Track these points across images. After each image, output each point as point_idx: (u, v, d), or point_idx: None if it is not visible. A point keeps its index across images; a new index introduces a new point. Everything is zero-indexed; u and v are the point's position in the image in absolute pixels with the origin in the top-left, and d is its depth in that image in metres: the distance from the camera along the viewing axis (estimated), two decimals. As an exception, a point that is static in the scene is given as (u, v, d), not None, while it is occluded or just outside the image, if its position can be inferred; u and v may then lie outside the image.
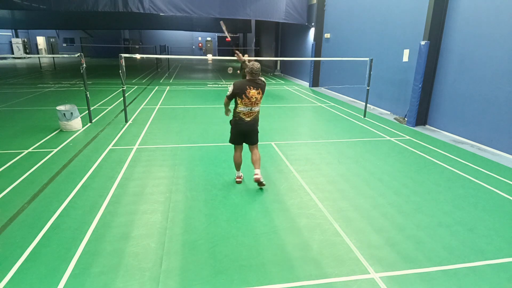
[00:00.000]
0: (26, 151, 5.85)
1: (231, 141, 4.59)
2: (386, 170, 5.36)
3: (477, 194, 4.58)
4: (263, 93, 4.33)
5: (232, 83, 4.25)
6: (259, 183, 4.49)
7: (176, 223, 3.68)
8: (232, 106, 4.48)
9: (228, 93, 4.29)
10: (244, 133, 4.45)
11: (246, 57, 4.78)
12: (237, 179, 4.76)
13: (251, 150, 4.60)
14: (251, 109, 4.31)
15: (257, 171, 4.45)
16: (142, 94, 12.43)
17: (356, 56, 11.60)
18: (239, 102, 4.26)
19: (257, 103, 4.31)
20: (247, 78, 4.26)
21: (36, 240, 3.31)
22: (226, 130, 7.70)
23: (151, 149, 6.16)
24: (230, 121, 4.54)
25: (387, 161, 5.80)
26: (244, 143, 4.61)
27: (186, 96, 12.17)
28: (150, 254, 3.15)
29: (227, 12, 14.74)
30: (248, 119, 4.36)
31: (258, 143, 4.63)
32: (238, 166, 4.71)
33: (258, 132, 4.58)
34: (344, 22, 12.98)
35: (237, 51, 4.94)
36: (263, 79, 4.38)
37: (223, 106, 4.59)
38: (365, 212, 4.02)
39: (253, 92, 4.21)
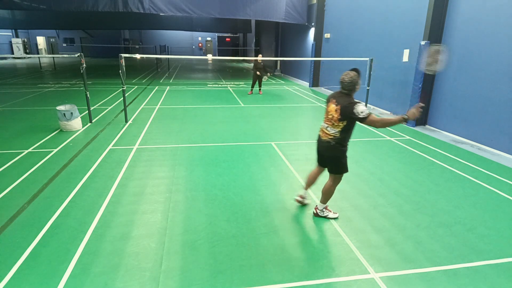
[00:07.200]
0: (26, 151, 5.85)
1: None
2: (386, 170, 5.36)
3: (477, 194, 4.58)
4: (342, 114, 3.32)
5: None
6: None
7: (176, 223, 3.68)
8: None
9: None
10: (318, 152, 3.77)
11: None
12: (297, 198, 4.14)
13: None
14: (326, 128, 3.54)
15: (318, 205, 3.93)
16: (142, 94, 12.43)
17: (356, 56, 11.60)
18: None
19: (333, 123, 3.43)
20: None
21: (36, 240, 3.31)
22: (226, 130, 7.77)
23: (151, 149, 6.16)
24: None
25: (387, 161, 5.80)
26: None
27: (186, 96, 12.16)
28: (150, 254, 3.15)
29: (227, 12, 14.74)
30: (324, 137, 3.59)
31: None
32: (306, 183, 4.03)
33: (334, 160, 3.62)
34: (344, 22, 12.98)
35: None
36: (354, 100, 3.33)
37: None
38: (365, 212, 4.02)
39: (331, 106, 3.45)
